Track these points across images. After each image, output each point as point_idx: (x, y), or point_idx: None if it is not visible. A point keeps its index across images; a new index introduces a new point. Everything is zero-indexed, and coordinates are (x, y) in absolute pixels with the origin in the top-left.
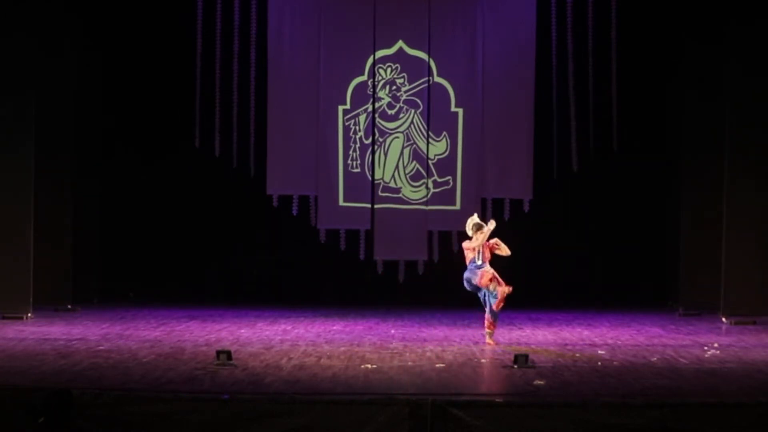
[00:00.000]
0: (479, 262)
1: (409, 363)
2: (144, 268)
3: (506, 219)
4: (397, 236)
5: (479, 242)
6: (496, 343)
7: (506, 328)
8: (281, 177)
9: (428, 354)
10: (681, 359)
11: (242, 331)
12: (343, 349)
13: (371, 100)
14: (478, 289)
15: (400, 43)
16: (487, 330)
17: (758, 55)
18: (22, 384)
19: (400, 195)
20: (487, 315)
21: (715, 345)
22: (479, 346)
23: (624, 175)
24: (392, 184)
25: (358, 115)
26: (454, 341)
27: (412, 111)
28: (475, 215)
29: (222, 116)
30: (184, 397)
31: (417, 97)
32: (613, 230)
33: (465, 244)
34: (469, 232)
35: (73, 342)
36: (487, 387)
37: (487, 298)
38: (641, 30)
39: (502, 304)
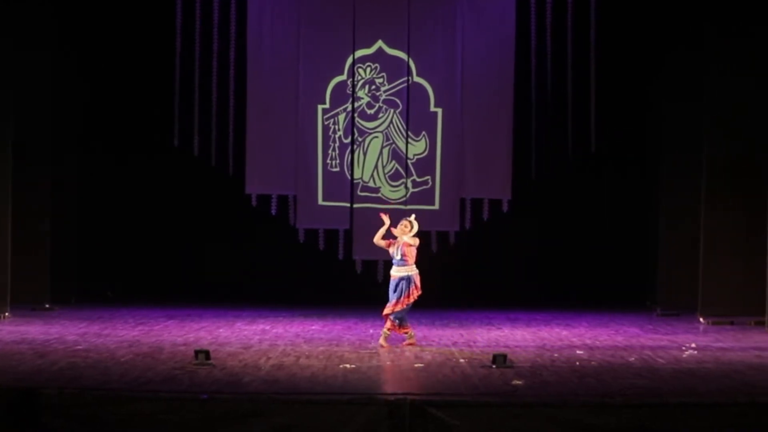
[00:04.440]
0: (398, 257)
1: (388, 363)
2: (122, 267)
3: (485, 219)
4: None
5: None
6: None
7: (485, 328)
8: (260, 176)
9: (407, 354)
10: (659, 359)
11: (221, 330)
12: (321, 348)
13: (350, 100)
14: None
15: (380, 43)
16: (386, 330)
17: (737, 60)
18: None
19: (379, 194)
20: (393, 318)
21: (693, 345)
22: (458, 346)
23: (602, 176)
24: (371, 184)
25: (337, 114)
26: (433, 341)
27: (392, 111)
28: (413, 216)
29: (201, 115)
30: (162, 397)
31: (396, 97)
32: (592, 231)
33: (410, 243)
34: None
35: (51, 342)
36: (465, 387)
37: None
38: (621, 31)
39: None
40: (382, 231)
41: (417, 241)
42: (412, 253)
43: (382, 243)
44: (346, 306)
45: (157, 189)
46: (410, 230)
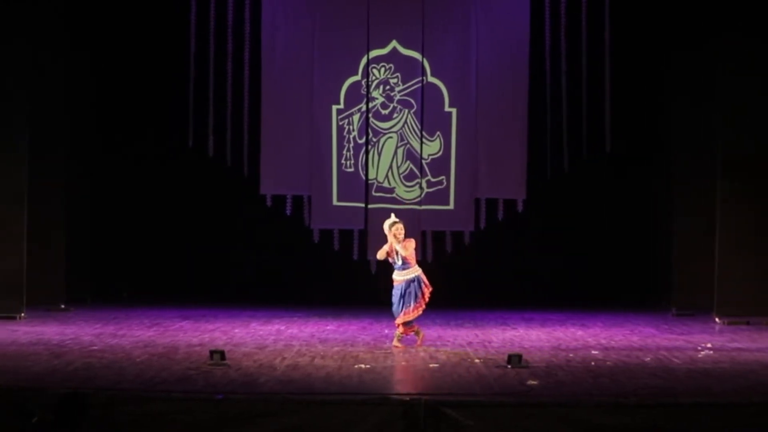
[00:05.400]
0: (400, 263)
1: (403, 363)
2: (137, 267)
3: (500, 219)
4: None
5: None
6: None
7: (500, 328)
8: (275, 177)
9: (422, 354)
10: (674, 359)
11: (236, 330)
12: (336, 349)
13: (365, 100)
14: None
15: (394, 43)
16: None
17: (747, 59)
18: (15, 384)
19: (394, 195)
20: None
21: (709, 345)
22: (473, 346)
23: (617, 175)
24: (386, 184)
25: (351, 114)
26: (448, 341)
27: (406, 111)
28: (392, 215)
29: (215, 116)
30: (177, 397)
31: (411, 97)
32: (607, 230)
33: (406, 248)
34: (390, 232)
35: (67, 342)
36: (480, 387)
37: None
38: (635, 32)
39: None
40: (386, 248)
41: (413, 243)
42: (412, 255)
43: (384, 256)
44: (361, 306)
45: (172, 189)
46: (401, 231)
